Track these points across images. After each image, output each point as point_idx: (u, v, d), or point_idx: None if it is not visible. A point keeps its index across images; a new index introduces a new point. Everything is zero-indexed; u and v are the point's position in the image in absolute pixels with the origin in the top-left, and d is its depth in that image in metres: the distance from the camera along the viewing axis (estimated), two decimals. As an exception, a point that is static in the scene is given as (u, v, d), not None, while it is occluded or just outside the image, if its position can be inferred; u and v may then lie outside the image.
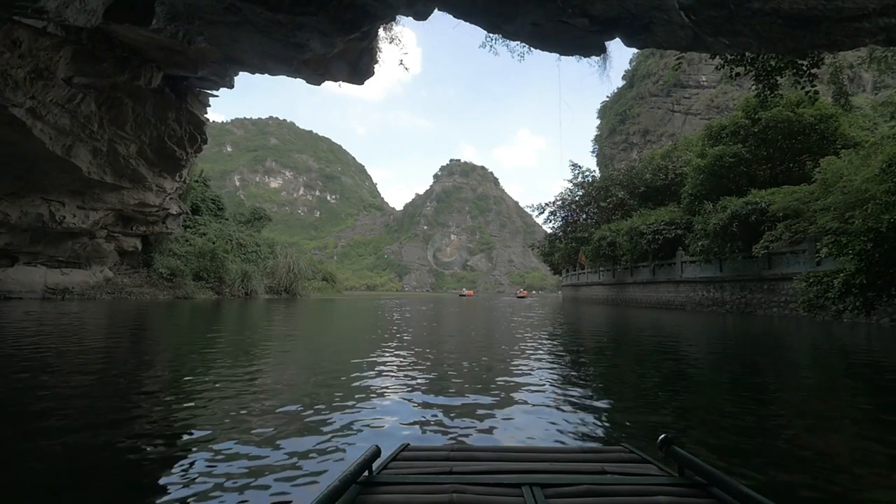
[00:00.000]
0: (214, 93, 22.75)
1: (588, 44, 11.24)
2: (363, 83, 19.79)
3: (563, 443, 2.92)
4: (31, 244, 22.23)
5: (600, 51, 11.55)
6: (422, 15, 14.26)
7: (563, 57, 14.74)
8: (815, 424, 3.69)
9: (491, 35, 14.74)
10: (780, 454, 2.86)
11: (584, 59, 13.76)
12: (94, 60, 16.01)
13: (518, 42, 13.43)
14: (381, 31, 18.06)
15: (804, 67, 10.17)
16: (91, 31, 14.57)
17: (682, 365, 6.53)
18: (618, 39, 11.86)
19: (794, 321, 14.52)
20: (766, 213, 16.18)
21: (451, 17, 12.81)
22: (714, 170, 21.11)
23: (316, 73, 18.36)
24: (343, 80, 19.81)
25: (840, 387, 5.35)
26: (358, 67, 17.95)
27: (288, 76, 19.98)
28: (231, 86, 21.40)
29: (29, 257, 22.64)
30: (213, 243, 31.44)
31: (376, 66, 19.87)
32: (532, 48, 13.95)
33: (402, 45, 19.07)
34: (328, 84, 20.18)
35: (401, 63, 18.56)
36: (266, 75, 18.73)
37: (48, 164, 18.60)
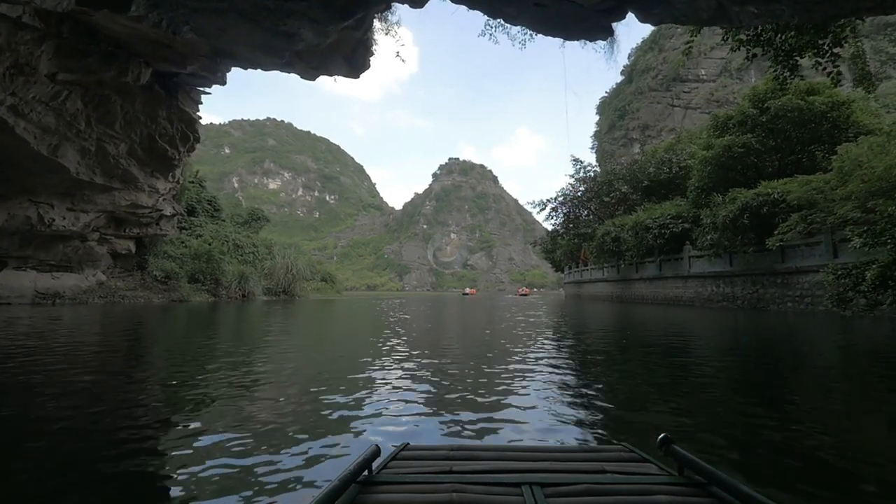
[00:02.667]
0: (207, 90, 22.14)
1: (594, 26, 10.63)
2: (359, 77, 19.16)
3: (563, 442, 2.89)
4: (21, 248, 21.61)
5: (607, 34, 10.94)
6: (418, 2, 13.63)
7: (567, 44, 14.09)
8: (841, 432, 3.34)
9: (491, 22, 14.13)
10: (798, 464, 2.67)
11: (590, 45, 13.16)
12: (77, 55, 15.38)
13: (520, 28, 12.82)
14: (376, 22, 17.45)
15: (826, 47, 9.58)
16: (72, 23, 13.96)
17: (691, 364, 6.11)
18: (623, 22, 11.22)
19: (811, 316, 13.93)
20: (780, 205, 15.56)
21: (449, 2, 12.18)
22: (722, 161, 20.49)
23: (310, 66, 17.74)
24: (339, 74, 19.18)
25: (873, 390, 4.80)
26: (353, 60, 17.32)
27: (281, 71, 19.38)
28: (223, 82, 20.79)
29: (18, 261, 22.02)
30: (210, 245, 30.82)
31: (372, 59, 19.27)
32: (534, 34, 13.34)
33: (399, 36, 18.41)
34: (325, 84, 20.00)
35: (397, 55, 17.93)
36: (262, 75, 18.25)
37: (34, 165, 17.99)
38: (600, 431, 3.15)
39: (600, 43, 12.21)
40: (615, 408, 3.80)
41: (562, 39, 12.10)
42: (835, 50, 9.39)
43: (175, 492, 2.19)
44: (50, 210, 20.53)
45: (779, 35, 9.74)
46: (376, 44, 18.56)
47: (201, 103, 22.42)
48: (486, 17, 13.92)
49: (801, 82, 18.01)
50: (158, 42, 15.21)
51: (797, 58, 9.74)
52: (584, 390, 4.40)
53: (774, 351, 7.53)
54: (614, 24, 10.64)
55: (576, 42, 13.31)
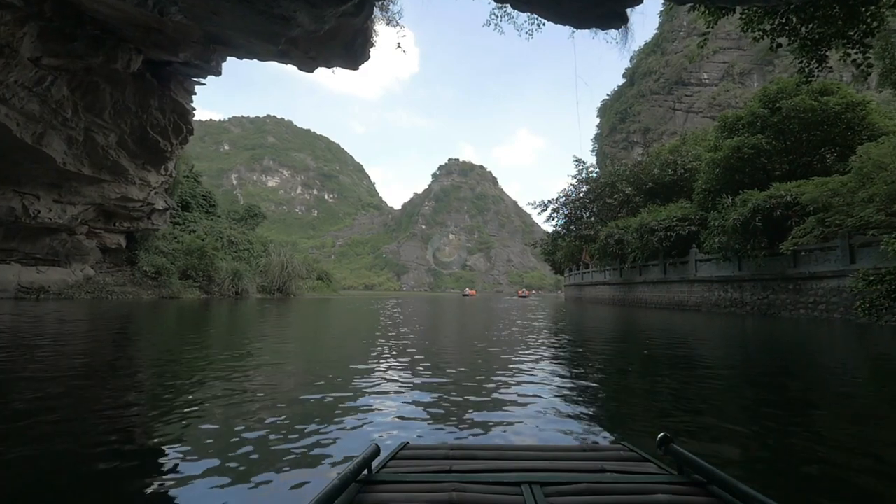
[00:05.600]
0: (201, 80, 21.47)
1: (608, 13, 10.01)
2: (358, 68, 18.54)
3: (563, 441, 2.89)
4: (5, 240, 20.84)
5: (621, 21, 10.32)
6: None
7: (576, 35, 13.43)
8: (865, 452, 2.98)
9: (496, 11, 13.50)
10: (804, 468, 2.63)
11: (601, 36, 12.53)
12: (63, 39, 14.70)
13: (529, 14, 12.19)
14: (376, 11, 16.82)
15: (854, 37, 8.99)
16: (55, 3, 13.28)
17: (698, 370, 5.87)
18: (637, 9, 10.59)
19: (826, 324, 13.30)
20: (793, 207, 14.95)
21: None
22: (731, 163, 19.88)
23: (307, 55, 17.09)
24: (337, 65, 18.55)
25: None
26: (352, 49, 16.67)
27: (278, 62, 18.72)
28: (218, 73, 20.14)
29: (2, 254, 21.22)
30: (203, 240, 30.08)
31: (372, 52, 18.64)
32: (543, 23, 12.71)
33: (400, 27, 17.74)
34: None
35: (398, 46, 17.27)
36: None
37: (18, 154, 17.26)
38: (600, 431, 3.13)
39: (612, 33, 11.59)
40: (616, 410, 3.78)
41: (572, 28, 11.49)
42: (865, 40, 8.82)
43: (172, 492, 2.13)
44: (35, 202, 19.78)
45: (805, 25, 9.16)
46: (376, 34, 17.93)
47: (195, 94, 21.74)
48: (492, 6, 13.30)
49: (815, 82, 17.45)
50: (148, 26, 14.52)
51: (824, 49, 9.16)
52: (584, 392, 4.36)
53: (794, 361, 7.00)
54: (629, 11, 10.04)
55: (586, 33, 12.70)
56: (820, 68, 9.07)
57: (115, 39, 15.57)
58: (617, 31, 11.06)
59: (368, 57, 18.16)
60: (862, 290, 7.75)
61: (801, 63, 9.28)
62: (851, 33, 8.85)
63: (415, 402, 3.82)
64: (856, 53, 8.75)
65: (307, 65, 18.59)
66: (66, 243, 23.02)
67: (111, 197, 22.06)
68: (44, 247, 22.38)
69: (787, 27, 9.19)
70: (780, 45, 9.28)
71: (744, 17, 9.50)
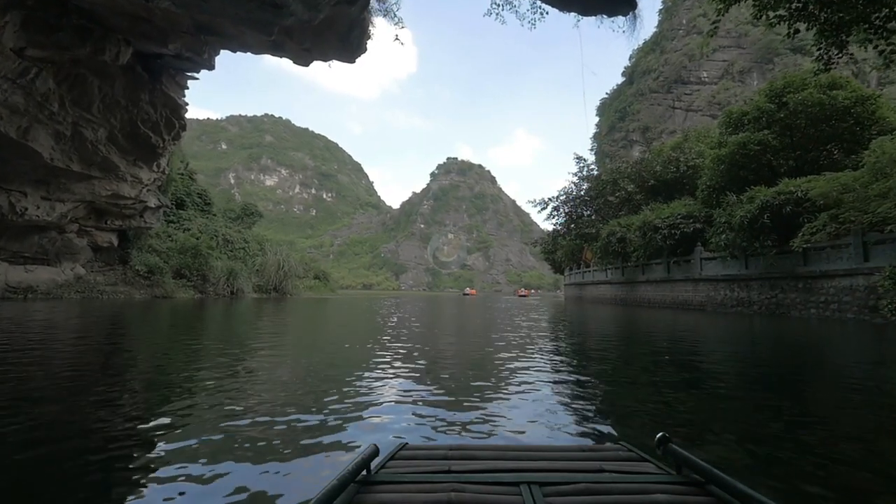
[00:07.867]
0: (194, 74, 20.92)
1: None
2: (355, 61, 18.04)
3: (562, 441, 2.87)
4: (-8, 239, 20.28)
5: (629, 7, 9.85)
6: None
7: (581, 25, 12.93)
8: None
9: (498, 0, 13.02)
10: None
11: (606, 23, 12.05)
12: (48, 29, 14.16)
13: (530, 3, 11.71)
14: (373, 2, 16.35)
15: (877, 22, 8.55)
16: (38, -10, 12.73)
17: (701, 369, 5.74)
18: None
19: (839, 324, 12.87)
20: (803, 204, 14.51)
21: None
22: (736, 159, 19.44)
23: (302, 47, 16.56)
24: (333, 58, 18.04)
25: None
26: (348, 41, 16.16)
27: (272, 54, 18.22)
28: (211, 66, 19.62)
29: (-10, 253, 20.68)
30: (197, 239, 29.52)
31: (369, 44, 18.15)
32: (546, 12, 12.22)
33: (397, 21, 17.25)
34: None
35: (396, 38, 16.77)
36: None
37: (3, 149, 16.69)
38: (599, 431, 3.11)
39: (619, 20, 11.12)
40: (616, 410, 3.76)
41: (577, 16, 11.03)
42: (888, 25, 8.37)
43: (170, 494, 2.10)
44: (22, 199, 19.20)
45: (823, 9, 8.71)
46: (373, 27, 17.45)
47: (188, 88, 21.20)
48: (493, -6, 12.82)
49: (822, 76, 17.00)
50: (136, 15, 14.00)
51: (845, 35, 8.71)
52: (584, 392, 4.32)
53: (808, 364, 6.60)
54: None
55: (591, 22, 12.22)
56: (840, 55, 8.62)
57: (102, 30, 15.03)
58: (624, 18, 10.56)
59: (365, 50, 17.68)
60: (888, 288, 7.32)
61: (819, 50, 8.82)
62: (873, 18, 8.40)
63: (414, 403, 3.77)
64: (878, 39, 8.31)
65: (302, 58, 18.08)
66: (55, 242, 22.44)
67: (102, 194, 21.50)
68: (32, 245, 21.79)
69: (803, 12, 8.75)
70: (797, 31, 8.83)
71: (756, 2, 9.04)
